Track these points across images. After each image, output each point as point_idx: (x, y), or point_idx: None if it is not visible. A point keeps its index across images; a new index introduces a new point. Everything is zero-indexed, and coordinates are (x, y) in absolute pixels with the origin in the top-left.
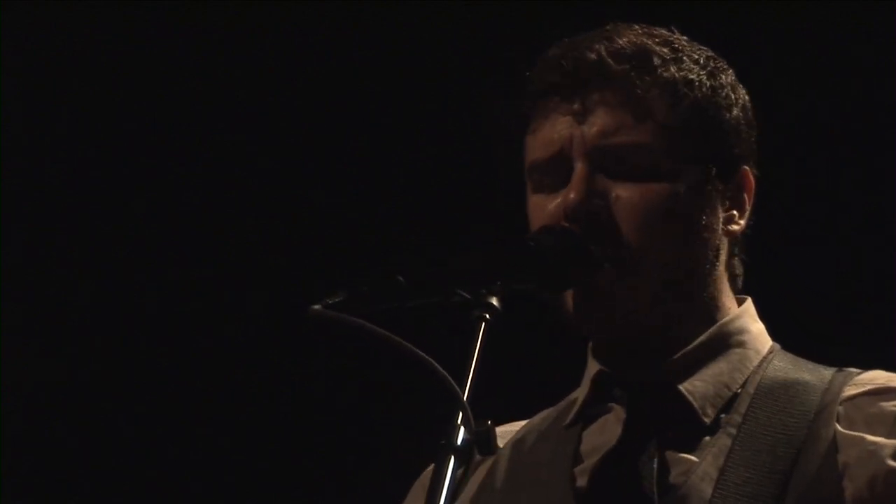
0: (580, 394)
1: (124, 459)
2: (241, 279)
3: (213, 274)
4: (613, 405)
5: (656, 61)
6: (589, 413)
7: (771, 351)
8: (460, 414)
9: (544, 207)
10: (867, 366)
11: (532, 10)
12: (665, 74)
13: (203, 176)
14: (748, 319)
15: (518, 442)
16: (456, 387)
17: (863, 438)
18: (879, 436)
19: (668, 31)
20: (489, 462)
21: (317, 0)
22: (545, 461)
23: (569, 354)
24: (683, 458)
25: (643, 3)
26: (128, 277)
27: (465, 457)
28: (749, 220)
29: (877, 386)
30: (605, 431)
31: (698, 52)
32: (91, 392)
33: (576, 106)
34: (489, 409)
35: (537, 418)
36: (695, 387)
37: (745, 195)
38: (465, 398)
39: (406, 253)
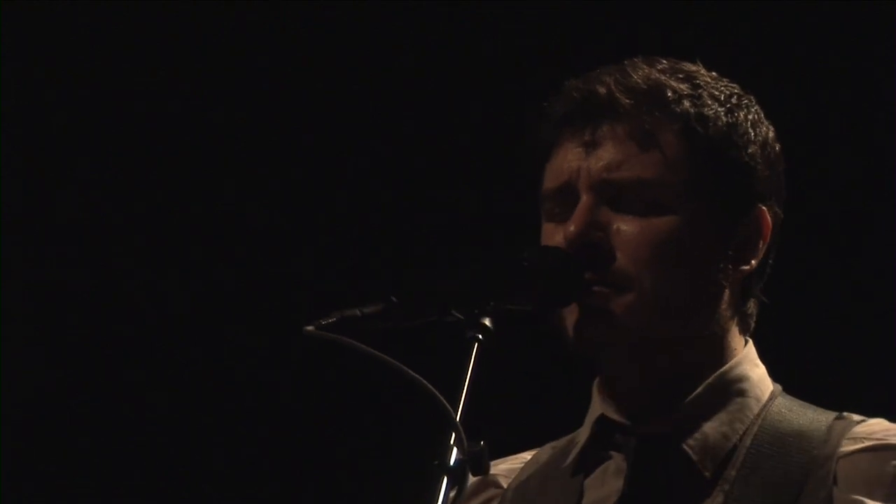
0: (581, 437)
1: (122, 463)
2: (238, 298)
3: (211, 292)
4: (614, 453)
5: (670, 96)
6: (590, 459)
7: (772, 396)
8: (453, 434)
9: (553, 236)
10: (867, 406)
11: (548, 45)
12: (677, 110)
13: (203, 188)
14: (749, 366)
15: (521, 486)
16: (449, 407)
17: (862, 503)
18: (878, 500)
19: (695, 65)
20: (462, 499)
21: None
22: None
23: (565, 374)
24: None
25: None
26: (127, 286)
27: (458, 477)
28: (767, 259)
29: (875, 442)
30: (606, 483)
31: (721, 89)
32: (89, 398)
33: (585, 138)
34: (484, 431)
35: (542, 455)
36: (696, 440)
37: (760, 236)
38: (457, 419)
39: (402, 274)
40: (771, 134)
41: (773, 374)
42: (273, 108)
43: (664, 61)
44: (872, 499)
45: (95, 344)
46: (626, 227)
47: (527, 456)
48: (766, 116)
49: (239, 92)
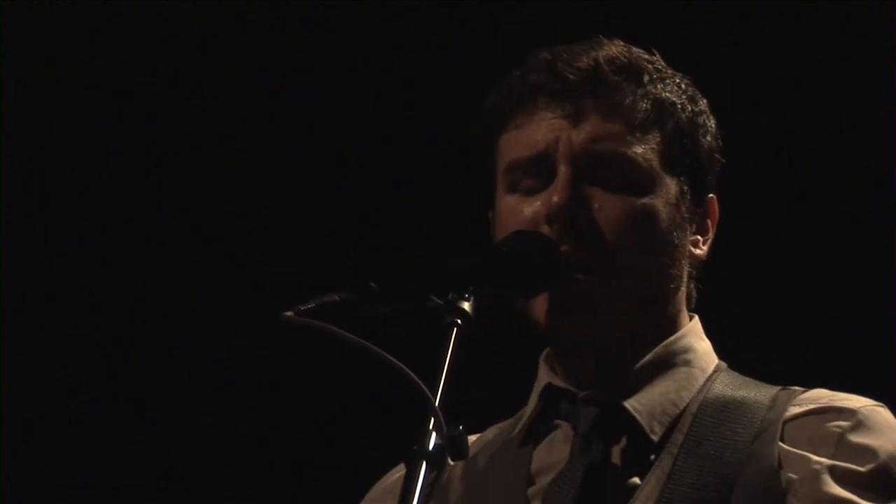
0: (528, 409)
1: (122, 463)
2: (238, 298)
3: (211, 292)
4: (561, 422)
5: (645, 77)
6: (538, 429)
7: (717, 370)
8: (432, 419)
9: (519, 211)
10: (813, 380)
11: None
12: (653, 91)
13: (203, 188)
14: (694, 338)
15: (469, 462)
16: (428, 392)
17: (808, 458)
18: (823, 456)
19: (649, 52)
20: (442, 482)
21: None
22: (499, 483)
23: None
24: (629, 479)
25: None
26: (127, 286)
27: (437, 462)
28: (710, 248)
29: (820, 405)
30: (554, 450)
31: (678, 77)
32: (89, 398)
33: (567, 109)
34: (464, 416)
35: (489, 434)
36: (641, 405)
37: (709, 223)
38: (436, 403)
39: (384, 262)
40: (715, 127)
41: (774, 373)
42: (273, 108)
43: (620, 43)
44: (817, 455)
45: (95, 344)
46: (607, 203)
47: (474, 437)
48: (766, 116)
49: (239, 92)
